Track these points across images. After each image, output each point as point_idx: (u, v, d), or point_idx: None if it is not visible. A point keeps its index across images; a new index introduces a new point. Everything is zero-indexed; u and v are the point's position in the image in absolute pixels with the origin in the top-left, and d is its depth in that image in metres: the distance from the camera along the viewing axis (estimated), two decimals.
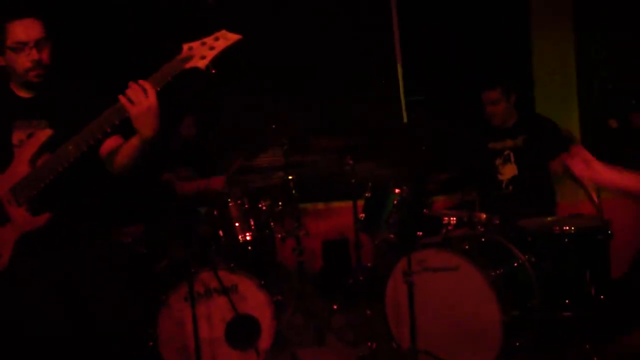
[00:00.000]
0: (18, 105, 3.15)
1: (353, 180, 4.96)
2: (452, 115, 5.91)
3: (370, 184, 4.80)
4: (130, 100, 2.82)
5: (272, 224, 5.05)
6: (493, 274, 4.08)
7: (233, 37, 2.83)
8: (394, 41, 6.37)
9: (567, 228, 4.45)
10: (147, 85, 2.82)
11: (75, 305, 3.18)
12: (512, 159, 5.13)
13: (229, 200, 4.88)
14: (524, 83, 5.89)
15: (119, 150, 3.09)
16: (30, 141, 3.05)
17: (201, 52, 2.82)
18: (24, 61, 3.03)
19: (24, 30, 2.99)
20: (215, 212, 4.93)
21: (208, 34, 2.85)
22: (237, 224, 4.84)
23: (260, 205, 4.99)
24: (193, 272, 4.26)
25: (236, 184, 5.13)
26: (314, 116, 6.16)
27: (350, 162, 4.96)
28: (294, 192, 5.15)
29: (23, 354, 3.16)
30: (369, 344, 4.58)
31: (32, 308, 3.14)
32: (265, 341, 4.47)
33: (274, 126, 5.06)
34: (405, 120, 6.29)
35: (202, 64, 2.81)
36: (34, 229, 3.03)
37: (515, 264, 4.36)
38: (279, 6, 6.23)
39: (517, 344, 4.10)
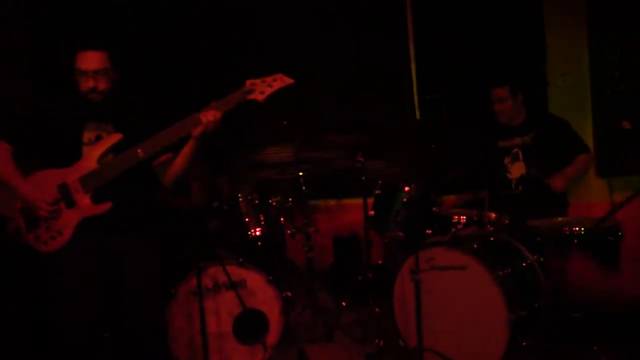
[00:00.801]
0: (90, 108, 3.61)
1: (364, 178, 4.97)
2: (465, 114, 5.90)
3: (380, 182, 4.80)
4: (206, 117, 3.41)
5: (282, 219, 5.08)
6: (501, 273, 4.07)
7: (287, 81, 3.46)
8: (407, 39, 6.37)
9: (577, 229, 4.42)
10: (216, 106, 3.44)
11: (112, 281, 3.66)
12: (521, 157, 5.11)
13: (239, 195, 4.90)
14: (538, 83, 5.86)
15: (174, 161, 3.66)
16: (100, 142, 3.56)
17: (261, 88, 3.43)
18: (83, 85, 3.53)
19: (86, 61, 3.50)
20: (225, 207, 4.95)
21: (267, 74, 3.46)
22: (247, 219, 4.88)
23: (270, 201, 5.02)
24: (201, 267, 4.29)
25: (246, 179, 5.15)
26: (325, 113, 6.17)
27: (361, 159, 4.96)
28: (304, 188, 5.17)
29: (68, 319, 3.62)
30: (377, 341, 4.59)
31: (80, 282, 3.58)
32: (273, 336, 4.49)
33: (284, 122, 5.07)
34: (417, 118, 6.29)
35: (260, 97, 3.43)
36: (94, 215, 3.51)
37: (524, 264, 4.35)
38: (293, 3, 6.24)
39: (524, 343, 4.09)
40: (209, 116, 3.41)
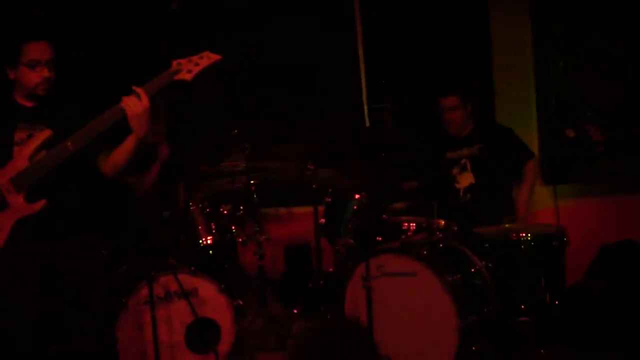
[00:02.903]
0: (21, 111, 3.61)
1: (314, 186, 5.00)
2: (414, 123, 5.97)
3: (330, 190, 4.83)
4: (127, 104, 3.35)
5: (233, 228, 5.07)
6: (450, 279, 4.12)
7: (215, 57, 3.40)
8: (357, 48, 6.40)
9: (524, 235, 4.53)
10: (141, 91, 3.37)
11: (54, 292, 3.62)
12: (469, 167, 5.19)
13: (191, 204, 4.89)
14: (485, 93, 5.96)
15: (114, 151, 3.59)
16: (30, 140, 3.47)
17: (188, 67, 3.38)
18: (35, 77, 3.50)
19: (39, 51, 3.49)
20: (176, 216, 4.94)
21: (194, 53, 3.41)
22: (198, 228, 4.87)
23: (221, 210, 5.01)
24: (153, 276, 4.26)
25: (198, 188, 5.14)
26: (276, 122, 6.17)
27: (312, 167, 5.00)
28: (255, 196, 5.17)
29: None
30: None
31: (16, 289, 3.54)
32: (225, 345, 4.48)
33: (236, 131, 5.07)
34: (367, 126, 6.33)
35: (188, 76, 3.37)
36: (29, 215, 3.42)
37: (473, 270, 4.42)
38: (241, 12, 6.24)
39: (474, 348, 4.16)
40: (130, 102, 3.35)
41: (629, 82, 5.58)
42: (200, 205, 4.90)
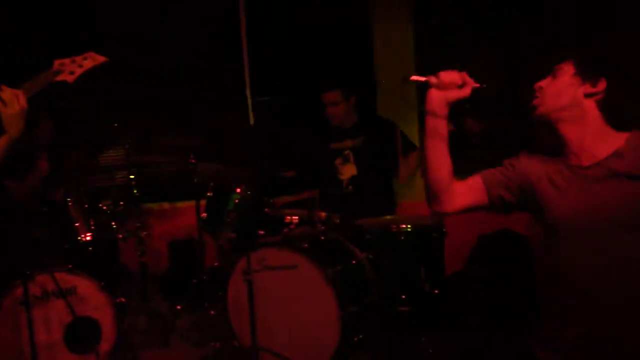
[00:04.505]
0: None
1: (196, 180, 4.96)
2: (297, 116, 6.01)
3: (212, 184, 4.80)
4: (3, 103, 3.16)
5: (113, 224, 4.98)
6: (331, 271, 4.15)
7: (99, 59, 3.32)
8: (241, 42, 6.40)
9: (404, 226, 4.61)
10: (19, 92, 3.17)
11: None
12: (351, 159, 5.25)
13: (68, 199, 4.77)
14: (366, 86, 6.04)
15: None
16: None
17: (70, 68, 3.27)
18: None
19: None
20: (53, 212, 4.81)
21: (78, 53, 3.31)
22: (76, 224, 4.75)
23: (100, 205, 4.92)
24: (28, 275, 4.13)
25: (76, 183, 5.02)
26: (158, 115, 6.10)
27: (193, 161, 4.96)
28: (135, 191, 5.09)
29: None
30: (213, 343, 4.60)
31: None
32: (106, 344, 4.38)
33: (115, 125, 4.98)
34: (251, 120, 6.34)
35: (70, 78, 3.26)
36: None
37: (354, 262, 4.46)
38: (125, 3, 6.14)
39: (355, 339, 4.21)
40: (11, 99, 3.16)
41: (503, 73, 5.77)
42: (78, 202, 4.78)
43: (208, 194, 4.76)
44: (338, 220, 4.62)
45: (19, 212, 4.81)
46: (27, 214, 4.86)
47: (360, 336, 4.25)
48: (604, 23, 5.28)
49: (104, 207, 4.94)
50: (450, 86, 2.48)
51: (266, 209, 4.62)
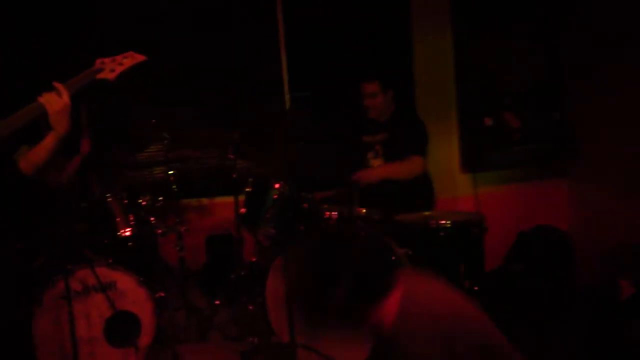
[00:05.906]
0: None
1: (235, 176, 4.96)
2: (335, 112, 5.99)
3: (250, 179, 4.79)
4: (48, 100, 3.24)
5: (152, 219, 5.01)
6: None
7: (139, 58, 3.43)
8: (278, 36, 6.38)
9: (443, 222, 4.56)
10: (62, 87, 3.26)
11: None
12: (381, 153, 5.20)
13: (108, 195, 4.81)
14: (406, 83, 6.01)
15: (34, 149, 3.45)
16: None
17: (111, 66, 3.38)
18: None
19: None
20: (93, 208, 4.85)
21: (119, 53, 3.42)
22: (116, 220, 4.79)
23: (139, 201, 4.95)
24: (69, 270, 4.17)
25: (116, 179, 5.06)
26: (196, 111, 6.11)
27: (232, 157, 4.96)
28: (174, 187, 5.12)
29: None
30: (251, 338, 4.61)
31: None
32: (145, 338, 4.43)
33: (154, 121, 5.00)
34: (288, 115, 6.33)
35: (111, 76, 3.37)
36: None
37: (393, 258, 4.42)
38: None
39: None
40: (50, 98, 3.26)
41: (543, 70, 5.71)
42: (118, 197, 4.82)
43: (247, 190, 4.76)
44: (378, 217, 4.58)
45: (59, 208, 4.87)
46: (68, 210, 4.91)
47: None
48: None
49: (143, 203, 4.98)
50: None
51: (305, 205, 4.60)
